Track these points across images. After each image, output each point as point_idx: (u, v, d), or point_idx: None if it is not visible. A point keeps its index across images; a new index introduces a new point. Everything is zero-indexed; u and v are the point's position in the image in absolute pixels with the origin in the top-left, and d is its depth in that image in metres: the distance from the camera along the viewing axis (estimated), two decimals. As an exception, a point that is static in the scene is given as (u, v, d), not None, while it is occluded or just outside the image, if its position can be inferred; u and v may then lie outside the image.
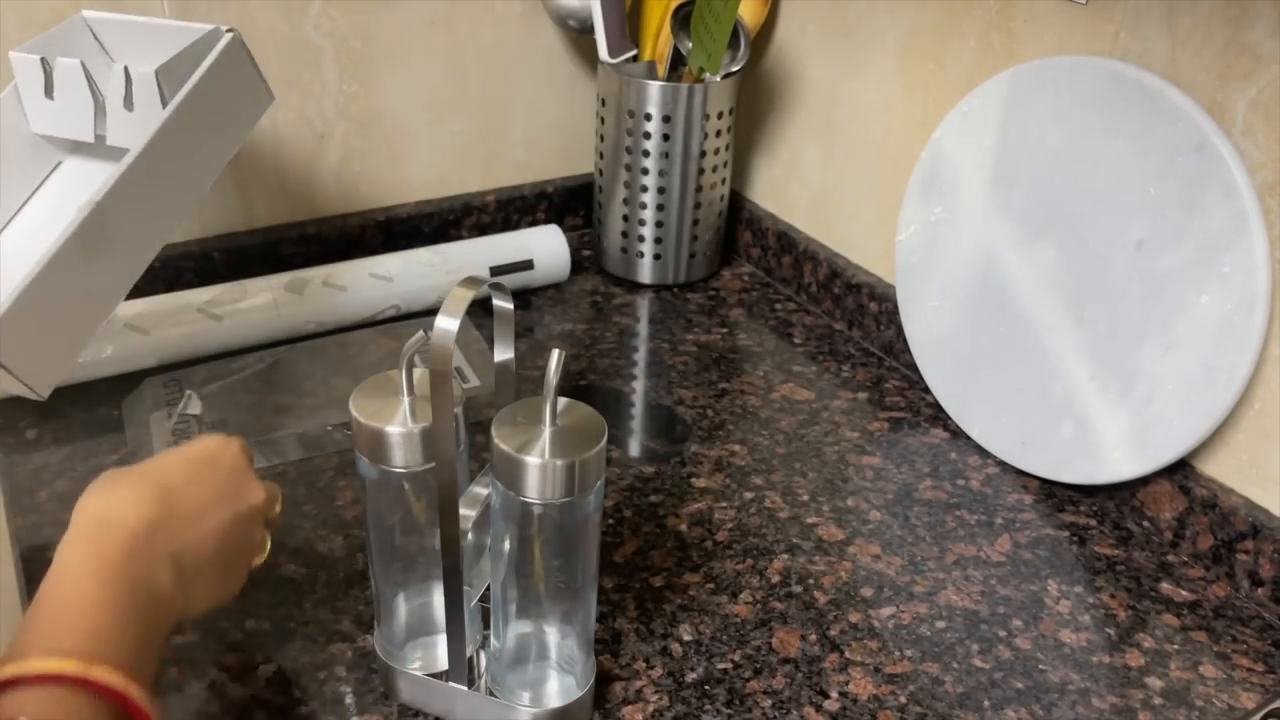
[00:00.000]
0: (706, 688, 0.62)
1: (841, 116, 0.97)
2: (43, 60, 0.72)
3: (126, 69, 0.70)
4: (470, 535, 0.54)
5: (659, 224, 1.01)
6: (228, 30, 0.72)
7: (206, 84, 0.69)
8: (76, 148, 0.78)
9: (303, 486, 0.75)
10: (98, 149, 0.76)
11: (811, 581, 0.70)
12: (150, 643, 0.48)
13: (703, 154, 0.98)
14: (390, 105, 0.98)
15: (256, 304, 0.87)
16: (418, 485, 0.56)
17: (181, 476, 0.54)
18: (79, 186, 0.77)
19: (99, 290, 0.66)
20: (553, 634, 0.57)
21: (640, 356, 0.94)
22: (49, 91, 0.73)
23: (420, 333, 0.53)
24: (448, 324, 0.49)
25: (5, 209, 0.76)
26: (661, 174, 0.98)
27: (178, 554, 0.51)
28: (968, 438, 0.85)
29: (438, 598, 0.59)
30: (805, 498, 0.77)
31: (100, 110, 0.73)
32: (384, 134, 0.99)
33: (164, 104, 0.69)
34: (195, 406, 0.78)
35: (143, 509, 0.51)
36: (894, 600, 0.69)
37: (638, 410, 0.87)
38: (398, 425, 0.53)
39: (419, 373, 0.56)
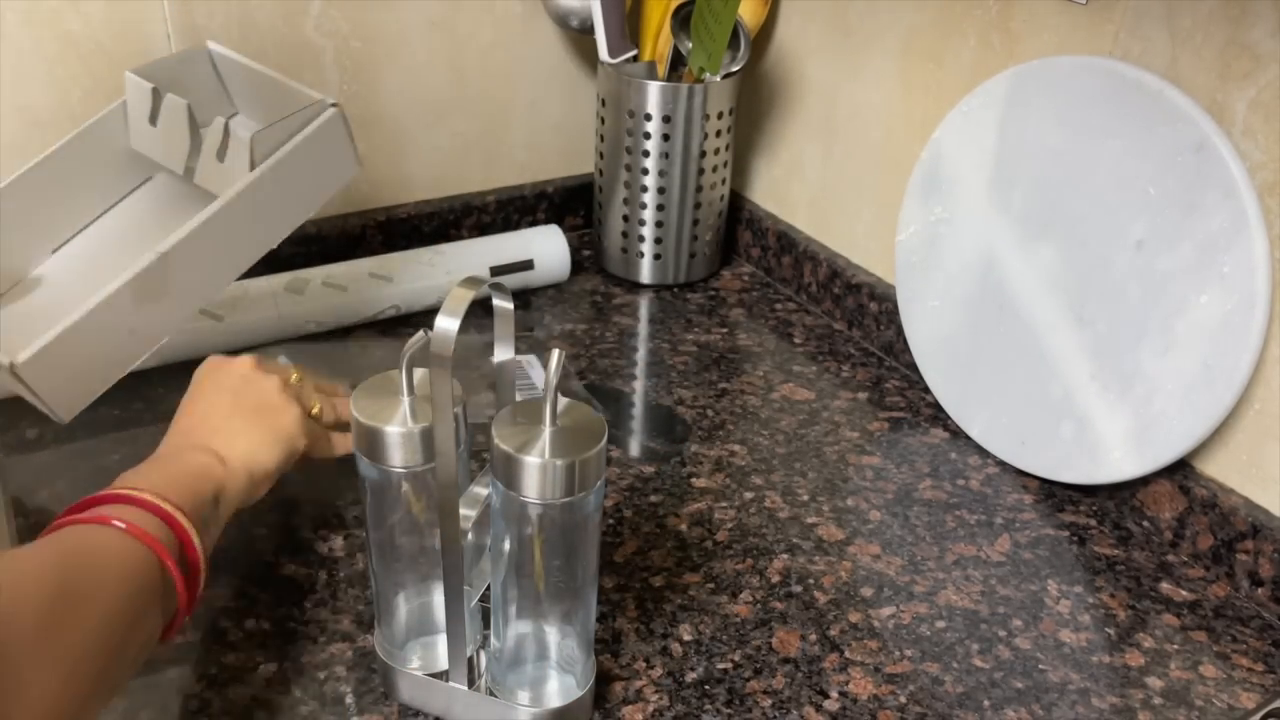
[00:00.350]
0: (706, 688, 0.62)
1: (841, 116, 0.97)
2: (154, 90, 0.74)
3: (227, 124, 0.72)
4: (470, 535, 0.54)
5: (659, 224, 1.01)
6: (332, 104, 0.74)
7: (297, 154, 0.72)
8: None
9: (303, 487, 0.75)
10: (187, 178, 0.78)
11: (811, 581, 0.70)
12: (202, 497, 0.58)
13: (703, 154, 0.98)
14: (390, 105, 0.98)
15: (256, 304, 0.87)
16: (418, 485, 0.56)
17: (185, 406, 0.66)
18: (163, 203, 0.80)
19: (142, 332, 0.68)
20: (553, 634, 0.57)
21: (640, 356, 0.94)
22: (153, 119, 0.75)
23: (420, 333, 0.53)
24: (448, 324, 0.49)
25: (90, 211, 0.79)
26: (661, 174, 0.98)
27: (203, 441, 0.62)
28: (968, 438, 0.85)
29: (438, 598, 0.59)
30: (805, 498, 0.77)
31: (195, 150, 0.75)
32: (384, 134, 0.99)
33: (252, 166, 0.71)
34: None
35: (159, 453, 0.62)
36: (894, 600, 0.69)
37: (638, 410, 0.87)
38: (398, 425, 0.53)
39: (419, 373, 0.56)
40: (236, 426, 0.63)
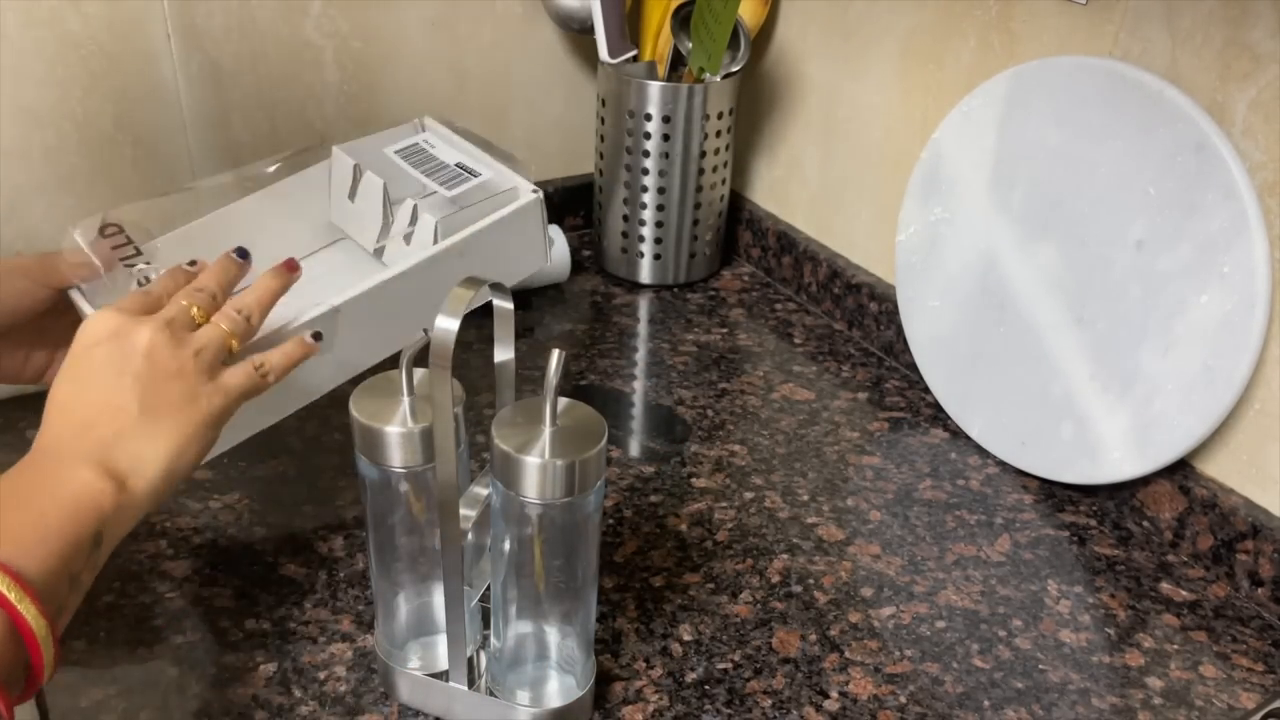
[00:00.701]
0: (706, 688, 0.62)
1: (841, 117, 0.97)
2: (356, 166, 0.73)
3: (416, 207, 0.71)
4: (470, 535, 0.54)
5: (659, 224, 1.01)
6: (533, 190, 0.73)
7: (484, 236, 0.70)
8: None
9: (303, 486, 0.75)
10: (377, 256, 0.76)
11: (811, 581, 0.70)
12: (71, 546, 0.47)
13: (703, 154, 0.98)
14: (390, 106, 0.98)
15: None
16: (418, 485, 0.56)
17: (67, 387, 0.52)
18: (348, 265, 0.76)
19: (297, 385, 0.65)
20: (553, 634, 0.57)
21: (640, 356, 0.94)
22: (352, 195, 0.74)
23: (420, 333, 0.53)
24: (448, 324, 0.49)
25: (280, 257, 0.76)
26: (661, 174, 0.98)
27: (97, 451, 0.50)
28: (968, 438, 0.85)
29: (438, 598, 0.59)
30: (805, 498, 0.77)
31: (386, 229, 0.73)
32: (384, 134, 0.99)
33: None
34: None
35: (41, 439, 0.51)
36: (894, 600, 0.69)
37: (638, 410, 0.87)
38: (398, 425, 0.53)
39: (419, 373, 0.56)
40: (145, 429, 0.51)
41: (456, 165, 0.75)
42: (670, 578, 0.69)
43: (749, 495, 0.77)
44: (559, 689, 0.58)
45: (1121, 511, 0.77)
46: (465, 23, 0.99)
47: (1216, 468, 0.73)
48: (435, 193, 0.72)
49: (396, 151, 0.76)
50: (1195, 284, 0.68)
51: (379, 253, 0.74)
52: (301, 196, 0.76)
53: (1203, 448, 0.73)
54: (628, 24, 0.98)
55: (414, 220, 0.71)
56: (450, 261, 0.69)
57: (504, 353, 0.57)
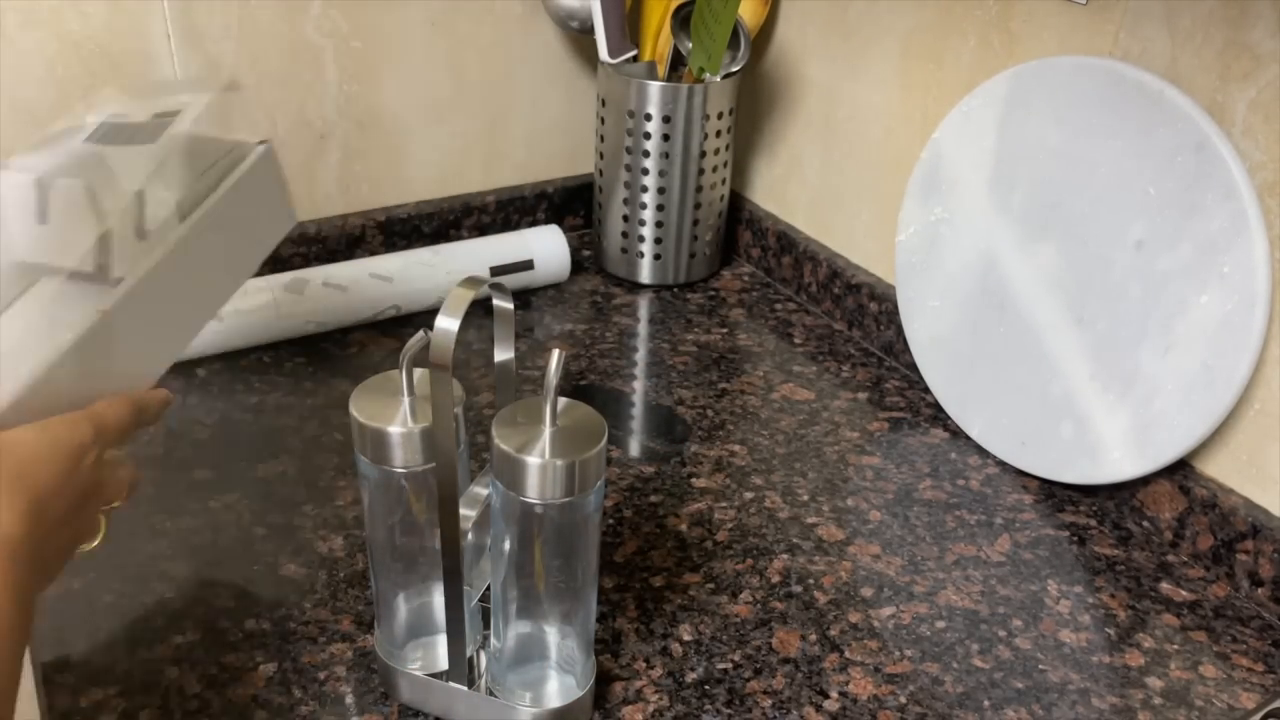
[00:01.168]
0: (706, 688, 0.62)
1: (841, 117, 0.97)
2: (37, 182, 0.59)
3: (141, 194, 0.60)
4: (470, 535, 0.54)
5: (659, 224, 1.01)
6: (259, 142, 0.65)
7: (232, 200, 0.62)
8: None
9: (303, 486, 0.75)
10: (99, 275, 0.62)
11: (811, 581, 0.70)
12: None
13: (703, 154, 0.98)
14: (390, 105, 0.98)
15: (256, 304, 0.87)
16: (418, 485, 0.56)
17: (52, 478, 0.47)
18: (58, 312, 0.61)
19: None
20: (553, 634, 0.57)
21: (640, 356, 0.94)
22: (43, 216, 0.60)
23: (420, 333, 0.53)
24: (448, 324, 0.49)
25: None
26: (661, 174, 0.98)
27: (39, 570, 0.47)
28: (968, 438, 0.85)
29: (438, 598, 0.59)
30: (805, 498, 0.77)
31: (106, 238, 0.60)
32: (384, 134, 0.99)
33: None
34: None
35: (15, 527, 0.45)
36: (894, 600, 0.69)
37: (638, 410, 0.87)
38: (398, 425, 0.53)
39: (419, 373, 0.56)
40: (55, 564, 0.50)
41: (154, 117, 0.63)
42: (670, 578, 0.69)
43: (749, 495, 0.77)
44: (559, 689, 0.58)
45: (1121, 511, 0.77)
46: (465, 23, 0.99)
47: (1216, 468, 0.73)
48: (145, 160, 0.61)
49: (85, 140, 0.63)
50: (1195, 284, 0.68)
51: (103, 270, 0.60)
52: None
53: (1203, 448, 0.73)
54: (628, 24, 0.98)
55: (142, 208, 0.60)
56: (206, 237, 0.60)
57: (504, 353, 0.57)
